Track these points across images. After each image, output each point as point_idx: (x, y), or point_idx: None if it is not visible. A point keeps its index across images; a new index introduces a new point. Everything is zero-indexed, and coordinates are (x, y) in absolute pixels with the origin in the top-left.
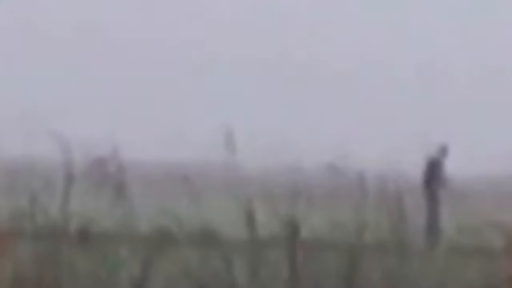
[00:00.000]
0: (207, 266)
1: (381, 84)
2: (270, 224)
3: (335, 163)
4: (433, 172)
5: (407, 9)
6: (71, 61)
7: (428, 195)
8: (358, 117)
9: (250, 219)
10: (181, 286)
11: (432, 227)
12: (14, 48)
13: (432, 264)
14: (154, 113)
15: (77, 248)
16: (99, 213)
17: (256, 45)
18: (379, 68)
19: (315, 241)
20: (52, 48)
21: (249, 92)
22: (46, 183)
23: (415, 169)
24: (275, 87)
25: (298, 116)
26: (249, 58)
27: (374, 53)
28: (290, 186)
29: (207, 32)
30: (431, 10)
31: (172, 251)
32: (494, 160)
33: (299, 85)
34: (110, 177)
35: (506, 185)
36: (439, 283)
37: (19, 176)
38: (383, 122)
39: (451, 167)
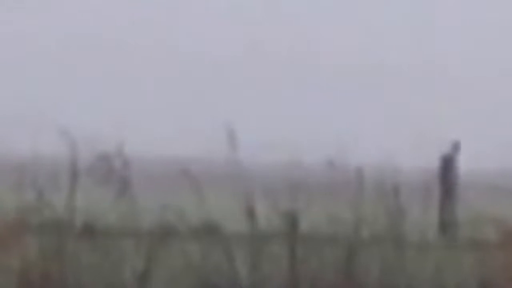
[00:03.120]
0: (209, 259)
1: (379, 80)
2: (270, 218)
3: (334, 159)
4: (447, 168)
5: (407, 6)
6: (78, 61)
7: (443, 191)
8: (357, 111)
9: (251, 213)
10: (184, 279)
11: (447, 222)
12: (22, 49)
13: (429, 257)
14: (157, 111)
15: (82, 242)
16: (103, 208)
17: (256, 40)
18: (378, 65)
19: (314, 234)
20: (59, 49)
21: (250, 88)
22: (52, 179)
23: (412, 164)
24: (276, 83)
25: (297, 112)
26: (249, 53)
27: (374, 50)
28: (290, 181)
29: (204, 29)
30: (431, 9)
31: (175, 244)
32: (487, 154)
33: (299, 80)
34: (114, 173)
35: (499, 179)
36: (436, 275)
37: (26, 172)
38: (382, 116)
39: None
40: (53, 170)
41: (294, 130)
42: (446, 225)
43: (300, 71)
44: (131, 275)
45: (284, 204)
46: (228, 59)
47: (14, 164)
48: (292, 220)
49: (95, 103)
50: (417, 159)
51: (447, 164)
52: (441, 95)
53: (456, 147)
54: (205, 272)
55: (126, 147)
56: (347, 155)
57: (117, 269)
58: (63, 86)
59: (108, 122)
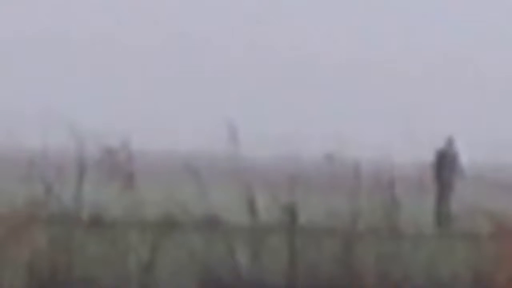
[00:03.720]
0: (211, 250)
1: (377, 77)
2: (270, 211)
3: (332, 154)
4: (442, 163)
5: (404, 6)
6: (86, 58)
7: (438, 184)
8: (354, 108)
9: (251, 206)
10: (187, 270)
11: (442, 214)
12: (30, 45)
13: (424, 249)
14: (161, 108)
15: (89, 233)
16: (109, 200)
17: (255, 35)
18: (375, 63)
19: (312, 227)
20: (67, 46)
21: (251, 86)
22: (60, 172)
23: (408, 159)
24: (276, 80)
25: (297, 108)
26: (249, 48)
27: (372, 46)
28: (289, 175)
29: (201, 23)
30: (428, 9)
31: (178, 236)
32: (478, 148)
33: (298, 78)
34: (120, 166)
35: (491, 173)
36: (431, 266)
37: (35, 166)
38: (379, 112)
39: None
40: (61, 164)
41: (294, 126)
42: (441, 218)
43: (299, 69)
44: (136, 265)
45: (284, 197)
46: (229, 57)
47: (23, 158)
48: (291, 213)
49: (102, 99)
50: (413, 154)
51: (442, 159)
52: (437, 91)
53: (450, 142)
54: (207, 263)
55: (131, 142)
56: (344, 150)
57: (123, 260)
58: (71, 83)
59: (114, 118)
